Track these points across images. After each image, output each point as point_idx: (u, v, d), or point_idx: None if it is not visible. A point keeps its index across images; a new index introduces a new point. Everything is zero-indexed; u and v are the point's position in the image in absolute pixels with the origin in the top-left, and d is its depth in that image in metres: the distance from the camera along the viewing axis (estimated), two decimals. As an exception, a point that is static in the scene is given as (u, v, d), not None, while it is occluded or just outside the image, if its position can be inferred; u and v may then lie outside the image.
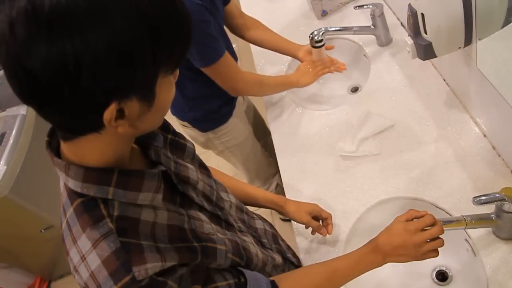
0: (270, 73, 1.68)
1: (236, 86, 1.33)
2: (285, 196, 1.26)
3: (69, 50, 0.44)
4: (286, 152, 1.38)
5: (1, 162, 2.00)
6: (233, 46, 1.55)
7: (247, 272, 0.74)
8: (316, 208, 1.08)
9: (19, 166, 2.05)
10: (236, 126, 1.54)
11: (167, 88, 0.56)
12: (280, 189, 1.90)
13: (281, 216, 2.16)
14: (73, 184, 0.56)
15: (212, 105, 1.45)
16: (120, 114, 0.51)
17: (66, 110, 0.49)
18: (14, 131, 2.12)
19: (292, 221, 1.18)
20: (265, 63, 1.74)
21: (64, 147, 0.58)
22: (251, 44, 1.86)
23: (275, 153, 1.40)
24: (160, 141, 0.71)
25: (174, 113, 1.49)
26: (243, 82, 1.33)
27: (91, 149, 0.56)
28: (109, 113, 0.49)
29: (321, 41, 1.41)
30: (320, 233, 1.06)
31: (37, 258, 2.48)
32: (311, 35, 1.41)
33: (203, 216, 0.72)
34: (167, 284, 0.57)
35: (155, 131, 0.72)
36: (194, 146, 0.84)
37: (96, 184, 0.56)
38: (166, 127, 0.78)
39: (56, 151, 0.59)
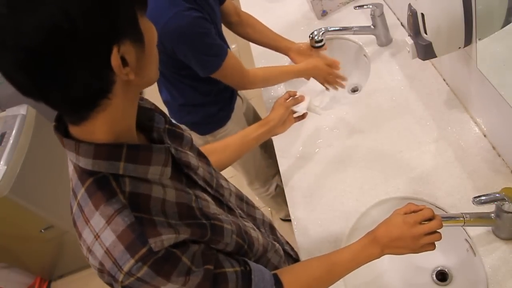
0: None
1: (243, 85, 1.35)
2: (285, 197, 1.26)
3: (56, 11, 0.47)
4: (286, 153, 1.38)
5: (1, 162, 2.00)
6: (233, 46, 1.55)
7: (252, 263, 0.75)
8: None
9: (19, 166, 2.05)
10: (235, 129, 1.54)
11: (149, 26, 0.59)
12: (280, 190, 1.90)
13: (281, 216, 2.17)
14: (84, 162, 0.57)
15: (210, 110, 1.45)
16: (124, 63, 0.54)
17: (77, 72, 0.50)
18: (14, 131, 2.12)
19: (292, 221, 1.18)
20: (265, 64, 1.74)
21: (73, 129, 0.59)
22: (251, 45, 1.85)
23: (275, 153, 1.40)
24: (161, 122, 0.72)
25: (172, 117, 1.49)
26: (248, 82, 1.34)
27: (101, 125, 0.57)
28: (115, 58, 0.52)
29: (321, 41, 1.41)
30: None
31: (37, 258, 2.48)
32: (311, 35, 1.41)
33: (208, 198, 0.73)
34: (182, 260, 0.58)
35: (154, 112, 0.72)
36: (191, 135, 0.85)
37: (107, 159, 0.57)
38: (163, 117, 0.79)
39: (64, 134, 0.60)
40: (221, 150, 1.05)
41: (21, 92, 0.52)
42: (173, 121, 0.82)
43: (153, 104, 0.78)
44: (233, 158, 1.08)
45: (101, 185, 0.57)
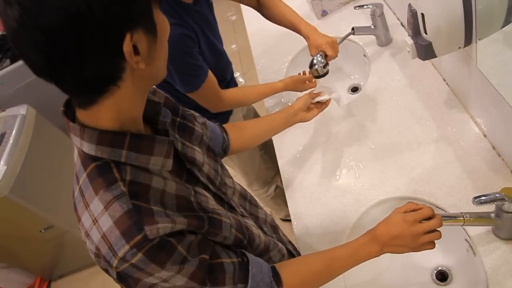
0: (269, 72, 1.68)
1: (215, 107, 1.36)
2: (285, 198, 1.26)
3: None
4: (286, 153, 1.38)
5: (1, 162, 2.00)
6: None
7: (250, 255, 0.76)
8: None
9: (19, 166, 2.05)
10: None
11: (162, 18, 0.61)
12: (279, 191, 1.90)
13: (281, 217, 2.17)
14: (88, 147, 0.59)
15: (207, 113, 1.45)
16: (135, 51, 0.55)
17: (90, 56, 0.52)
18: (14, 131, 2.12)
19: (292, 221, 1.18)
20: (265, 64, 1.74)
21: (80, 114, 0.61)
22: (251, 45, 1.85)
23: (275, 155, 1.40)
24: (167, 117, 0.73)
25: None
26: (221, 105, 1.35)
27: (107, 111, 0.59)
28: (127, 45, 0.53)
29: (325, 65, 1.30)
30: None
31: (37, 258, 2.48)
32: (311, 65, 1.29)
33: (208, 194, 0.74)
34: (177, 249, 0.59)
35: (161, 106, 0.73)
36: (202, 130, 0.85)
37: (110, 146, 0.59)
38: (175, 110, 0.80)
39: (71, 119, 0.62)
40: (254, 126, 1.12)
41: (34, 72, 0.54)
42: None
43: (164, 97, 0.79)
44: (267, 135, 1.16)
45: (103, 171, 0.59)
